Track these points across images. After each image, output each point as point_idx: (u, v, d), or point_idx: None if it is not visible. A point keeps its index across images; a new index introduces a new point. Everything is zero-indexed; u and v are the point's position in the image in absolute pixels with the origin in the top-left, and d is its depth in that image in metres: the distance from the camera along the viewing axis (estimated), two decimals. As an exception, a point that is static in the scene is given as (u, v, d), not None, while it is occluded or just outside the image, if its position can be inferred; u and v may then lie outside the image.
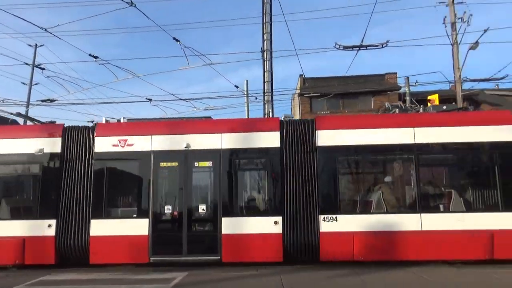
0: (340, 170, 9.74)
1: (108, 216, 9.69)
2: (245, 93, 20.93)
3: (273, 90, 15.32)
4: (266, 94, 15.13)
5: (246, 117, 20.41)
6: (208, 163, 9.83)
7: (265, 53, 15.08)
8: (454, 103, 14.65)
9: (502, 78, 17.23)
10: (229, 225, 9.37)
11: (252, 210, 9.91)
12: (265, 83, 15.04)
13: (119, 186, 10.17)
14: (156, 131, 10.02)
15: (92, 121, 12.77)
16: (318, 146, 9.51)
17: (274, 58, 17.33)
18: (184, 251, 9.39)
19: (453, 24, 17.10)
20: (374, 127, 9.57)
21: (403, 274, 8.34)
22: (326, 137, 9.55)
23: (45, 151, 9.89)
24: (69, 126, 10.40)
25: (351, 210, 9.49)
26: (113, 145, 10.01)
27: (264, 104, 15.36)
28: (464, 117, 9.75)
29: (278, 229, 9.25)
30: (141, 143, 9.94)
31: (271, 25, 15.23)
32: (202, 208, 9.66)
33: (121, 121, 10.74)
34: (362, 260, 9.02)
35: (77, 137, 10.05)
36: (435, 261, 9.03)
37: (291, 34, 32.02)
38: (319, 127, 9.62)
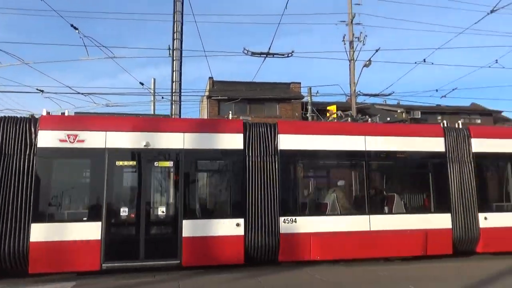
0: (300, 173, 10.17)
1: (51, 219, 8.69)
2: (152, 91, 20.31)
3: (182, 91, 14.94)
4: (174, 94, 14.66)
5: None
6: (168, 163, 9.42)
7: (174, 52, 14.68)
8: (362, 115, 16.35)
9: (389, 94, 19.00)
10: (190, 228, 9.12)
11: (214, 212, 9.80)
12: (174, 83, 14.60)
13: (67, 186, 9.23)
14: (112, 127, 9.27)
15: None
16: (280, 150, 9.75)
17: (184, 58, 17.08)
18: (141, 256, 8.87)
19: (351, 43, 18.31)
20: (331, 133, 10.16)
21: (298, 273, 8.74)
22: (287, 141, 9.84)
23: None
24: (5, 116, 9.04)
25: (309, 212, 9.96)
26: (61, 140, 8.98)
27: (172, 104, 14.95)
28: (405, 129, 10.91)
29: (240, 231, 9.28)
30: (94, 140, 9.09)
31: (182, 24, 14.79)
32: (161, 210, 9.23)
33: (66, 114, 9.67)
34: (319, 260, 9.54)
35: (16, 130, 8.80)
36: (332, 261, 9.61)
37: (200, 35, 31.78)
38: (281, 131, 9.87)
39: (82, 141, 9.03)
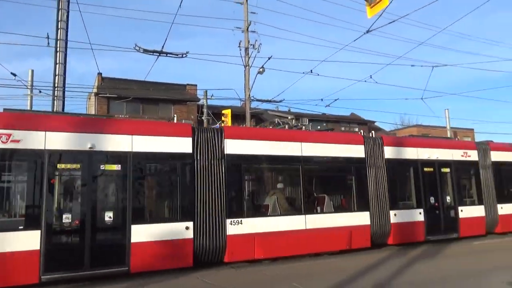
0: (245, 177, 10.61)
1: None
2: (29, 85, 18.52)
3: (66, 86, 13.90)
4: (57, 89, 13.55)
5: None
6: (116, 167, 9.02)
7: (58, 42, 13.48)
8: (257, 120, 17.47)
9: (281, 101, 19.97)
10: (139, 233, 8.89)
11: (164, 216, 9.66)
12: (57, 77, 13.48)
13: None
14: (53, 127, 8.55)
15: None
16: (226, 154, 10.07)
17: (71, 50, 15.99)
18: (87, 265, 8.36)
19: (246, 49, 18.52)
20: (273, 139, 10.83)
21: (185, 279, 8.68)
22: (233, 146, 10.22)
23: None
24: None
25: (253, 214, 10.45)
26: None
27: (54, 99, 13.94)
28: (334, 137, 12.13)
29: (189, 234, 9.36)
30: (31, 140, 8.28)
31: (68, 12, 13.72)
32: (108, 215, 8.79)
33: (-5, 110, 8.62)
34: (262, 258, 10.10)
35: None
36: (222, 264, 9.94)
37: (85, 25, 28.72)
38: (227, 136, 10.19)
39: (17, 141, 8.17)
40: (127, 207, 8.87)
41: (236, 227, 9.90)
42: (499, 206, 14.60)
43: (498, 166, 15.00)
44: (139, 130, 9.35)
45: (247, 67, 18.43)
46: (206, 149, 9.94)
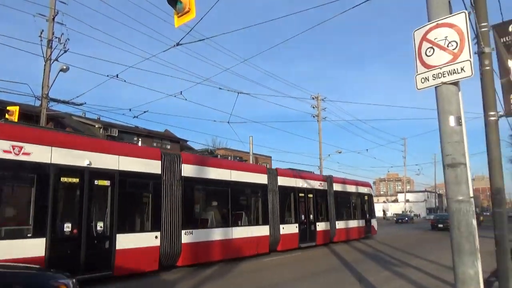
0: (195, 195, 12.85)
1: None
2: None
3: None
4: None
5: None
6: (106, 182, 10.18)
7: None
8: (55, 123, 16.62)
9: (81, 104, 16.62)
10: (122, 241, 10.23)
11: (139, 226, 11.09)
12: None
13: (8, 200, 8.80)
14: (58, 143, 9.31)
15: None
16: (183, 176, 12.22)
17: None
18: (81, 270, 9.30)
19: (49, 41, 15.98)
20: (213, 166, 13.42)
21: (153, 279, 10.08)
22: (188, 170, 12.42)
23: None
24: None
25: (200, 226, 12.74)
26: (4, 151, 8.38)
27: None
28: (244, 166, 15.40)
29: (157, 242, 11.15)
30: (40, 154, 8.91)
31: None
32: (100, 225, 9.89)
33: None
34: (204, 261, 12.47)
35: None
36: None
37: None
38: (184, 161, 12.35)
39: (28, 154, 8.73)
40: (113, 218, 10.09)
41: (188, 237, 12.04)
42: (281, 226, 16.17)
43: (283, 190, 16.70)
44: (125, 151, 10.74)
45: (48, 61, 15.84)
46: (169, 171, 11.87)
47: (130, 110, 17.20)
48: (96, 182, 9.90)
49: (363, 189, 24.27)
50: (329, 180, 20.72)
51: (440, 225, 32.81)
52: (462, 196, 3.90)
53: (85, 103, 16.29)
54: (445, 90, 4.10)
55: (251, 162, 36.26)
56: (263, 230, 15.21)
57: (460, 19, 4.07)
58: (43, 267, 7.57)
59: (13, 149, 8.54)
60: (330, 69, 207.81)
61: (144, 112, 17.37)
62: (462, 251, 3.83)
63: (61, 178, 9.29)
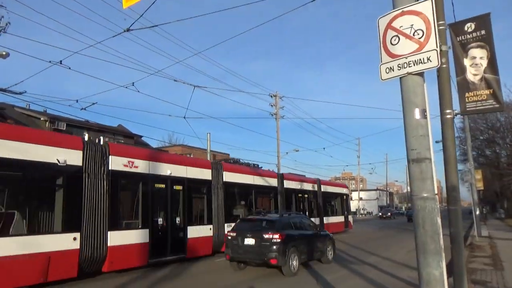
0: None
1: (122, 227, 11.08)
2: None
3: None
4: None
5: None
6: (180, 187, 13.16)
7: None
8: None
9: (21, 93, 15.00)
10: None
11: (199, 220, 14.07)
12: None
13: (125, 202, 11.78)
14: (152, 158, 12.35)
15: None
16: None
17: None
18: (169, 252, 12.32)
19: None
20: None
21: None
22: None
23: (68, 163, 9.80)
24: (87, 140, 10.71)
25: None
26: (124, 165, 11.32)
27: None
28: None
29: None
30: (142, 166, 11.87)
31: None
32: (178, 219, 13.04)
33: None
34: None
35: (95, 151, 10.47)
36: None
37: None
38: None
39: (136, 167, 11.67)
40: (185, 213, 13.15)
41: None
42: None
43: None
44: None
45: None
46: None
47: (77, 101, 15.98)
48: (174, 187, 13.00)
49: (341, 190, 28.14)
50: (318, 183, 24.40)
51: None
52: (427, 193, 3.69)
53: (25, 91, 14.59)
54: (410, 81, 3.87)
55: (208, 159, 35.40)
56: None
57: (426, 7, 3.85)
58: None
59: (129, 163, 11.45)
60: (288, 69, 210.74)
61: (93, 104, 16.13)
62: (427, 251, 3.60)
63: (155, 185, 12.30)
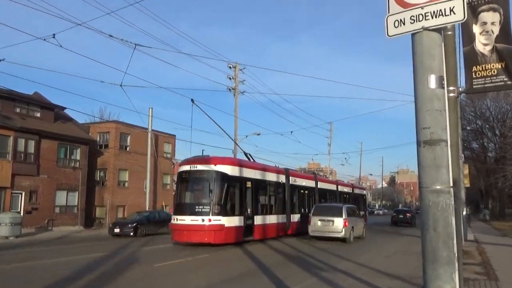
0: None
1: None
2: None
3: None
4: None
5: None
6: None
7: None
8: None
9: None
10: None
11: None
12: None
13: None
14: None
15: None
16: None
17: None
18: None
19: None
20: None
21: None
22: None
23: None
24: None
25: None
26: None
27: None
28: None
29: None
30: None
31: None
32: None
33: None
34: None
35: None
36: None
37: None
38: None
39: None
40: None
41: None
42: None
43: None
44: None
45: None
46: None
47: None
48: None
49: (361, 191, 40.89)
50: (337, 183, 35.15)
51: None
52: (441, 185, 3.40)
53: None
54: (426, 39, 3.53)
55: (149, 140, 33.83)
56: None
57: None
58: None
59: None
60: (255, 38, 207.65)
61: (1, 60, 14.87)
62: (438, 260, 3.32)
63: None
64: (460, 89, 6.71)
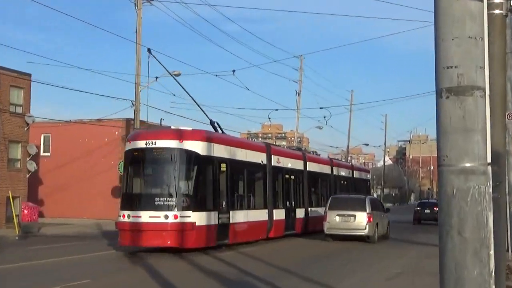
0: None
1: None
2: None
3: None
4: None
5: None
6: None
7: None
8: None
9: None
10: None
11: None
12: None
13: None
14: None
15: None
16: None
17: None
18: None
19: None
20: None
21: None
22: None
23: None
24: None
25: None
26: (277, 162, 20.65)
27: None
28: None
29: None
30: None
31: None
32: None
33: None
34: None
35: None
36: None
37: None
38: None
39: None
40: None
41: None
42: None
43: None
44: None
45: None
46: None
47: None
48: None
49: (364, 175, 37.90)
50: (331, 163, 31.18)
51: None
52: (474, 162, 2.16)
53: None
54: None
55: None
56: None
57: None
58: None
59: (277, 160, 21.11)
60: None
61: None
62: (465, 283, 2.12)
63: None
64: (511, 3, 4.83)
